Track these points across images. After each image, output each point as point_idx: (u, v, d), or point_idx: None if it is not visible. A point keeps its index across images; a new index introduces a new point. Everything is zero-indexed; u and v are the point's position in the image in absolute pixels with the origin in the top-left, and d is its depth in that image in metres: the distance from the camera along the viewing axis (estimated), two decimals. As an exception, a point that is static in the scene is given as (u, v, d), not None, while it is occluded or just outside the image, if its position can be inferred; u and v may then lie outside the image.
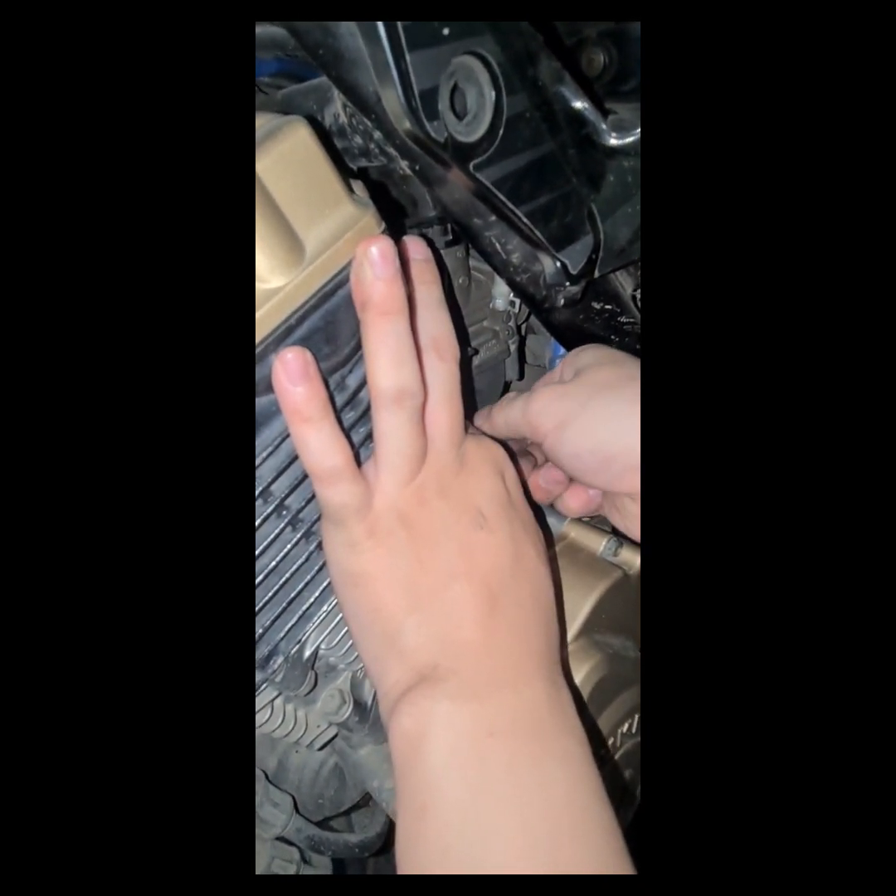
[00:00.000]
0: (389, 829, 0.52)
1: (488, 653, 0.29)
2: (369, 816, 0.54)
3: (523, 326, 0.61)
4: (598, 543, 0.46)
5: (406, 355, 0.28)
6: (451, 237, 0.49)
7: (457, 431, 0.32)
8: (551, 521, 0.48)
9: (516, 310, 0.54)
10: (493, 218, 0.35)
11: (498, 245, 0.37)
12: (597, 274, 0.38)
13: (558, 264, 0.35)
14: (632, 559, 0.46)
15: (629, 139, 0.40)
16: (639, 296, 0.54)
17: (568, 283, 0.35)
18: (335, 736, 0.44)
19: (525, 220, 0.32)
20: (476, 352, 0.49)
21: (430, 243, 0.48)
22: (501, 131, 0.29)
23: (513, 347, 0.56)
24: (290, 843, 0.47)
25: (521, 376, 0.59)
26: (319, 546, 0.34)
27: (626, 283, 0.50)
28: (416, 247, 0.32)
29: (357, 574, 0.30)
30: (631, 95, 0.53)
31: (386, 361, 0.28)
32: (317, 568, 0.35)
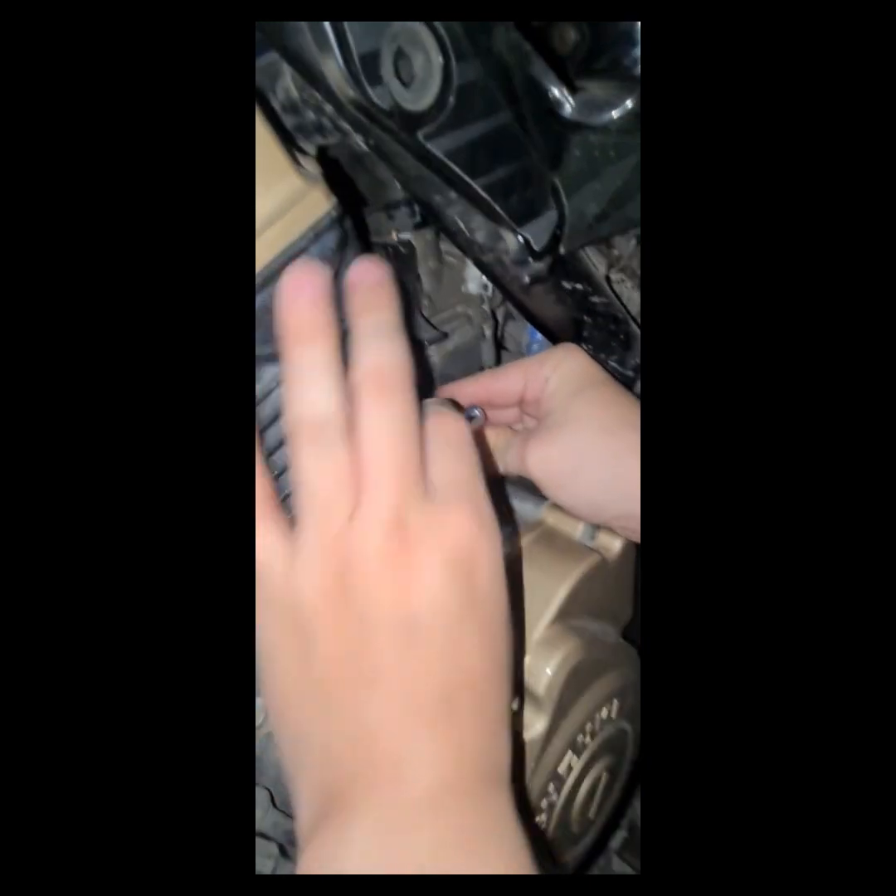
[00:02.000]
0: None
1: (413, 768, 0.23)
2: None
3: (501, 312, 0.61)
4: (576, 528, 0.46)
5: (324, 385, 0.25)
6: (419, 219, 0.48)
7: (397, 481, 0.24)
8: (528, 507, 0.48)
9: (490, 293, 0.53)
10: (454, 194, 0.34)
11: (461, 223, 0.36)
12: (563, 250, 0.37)
13: (520, 240, 0.34)
14: (610, 543, 0.46)
15: (601, 117, 0.39)
16: (612, 277, 0.53)
17: (531, 260, 0.35)
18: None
19: (483, 194, 0.31)
20: (445, 336, 0.48)
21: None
22: (452, 100, 0.28)
23: (488, 332, 0.55)
24: (268, 839, 0.47)
25: (498, 362, 0.58)
26: None
27: (598, 263, 0.49)
28: (363, 272, 0.28)
29: (263, 637, 0.25)
30: (604, 74, 0.52)
31: (297, 391, 0.24)
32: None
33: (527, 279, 0.37)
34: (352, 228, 0.32)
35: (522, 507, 0.48)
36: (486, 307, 0.54)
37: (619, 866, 0.91)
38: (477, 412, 0.44)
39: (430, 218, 0.40)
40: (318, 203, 0.28)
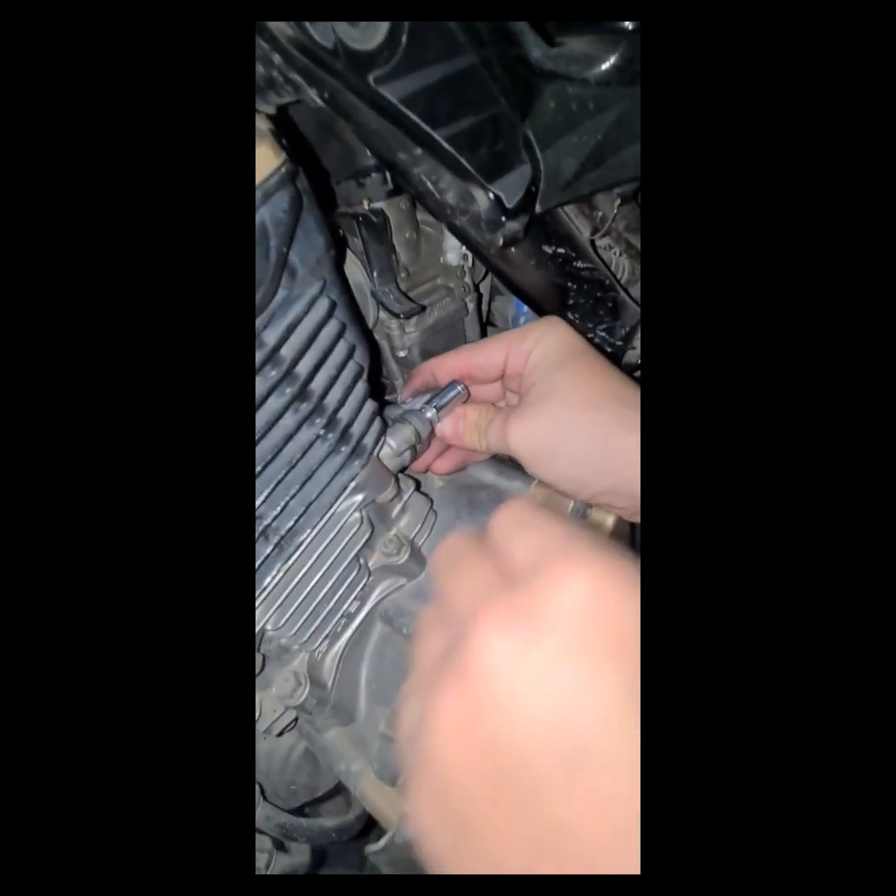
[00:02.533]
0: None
1: None
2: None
3: (487, 286, 0.58)
4: (566, 506, 0.44)
5: None
6: (391, 187, 0.46)
7: None
8: (517, 484, 0.46)
9: (470, 264, 0.50)
10: (419, 151, 0.32)
11: (429, 183, 0.34)
12: (539, 209, 0.34)
13: (491, 197, 0.31)
14: (602, 520, 0.44)
15: (580, 71, 0.37)
16: (598, 242, 0.51)
17: (505, 219, 0.32)
18: (295, 720, 0.42)
19: (447, 146, 0.29)
20: (423, 308, 0.46)
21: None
22: (404, 39, 0.25)
23: (471, 306, 0.53)
24: (261, 832, 0.46)
25: (484, 336, 0.56)
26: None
27: (582, 227, 0.47)
28: None
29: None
30: (588, 27, 0.49)
31: None
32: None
33: (501, 241, 0.34)
34: (308, 190, 0.30)
35: (510, 484, 0.46)
36: (467, 280, 0.52)
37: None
38: (459, 387, 0.42)
39: (398, 177, 0.38)
40: (268, 158, 0.26)
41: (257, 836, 0.46)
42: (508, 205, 0.32)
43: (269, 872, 0.46)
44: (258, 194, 0.26)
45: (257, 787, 0.45)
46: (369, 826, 0.50)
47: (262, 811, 0.44)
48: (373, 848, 0.39)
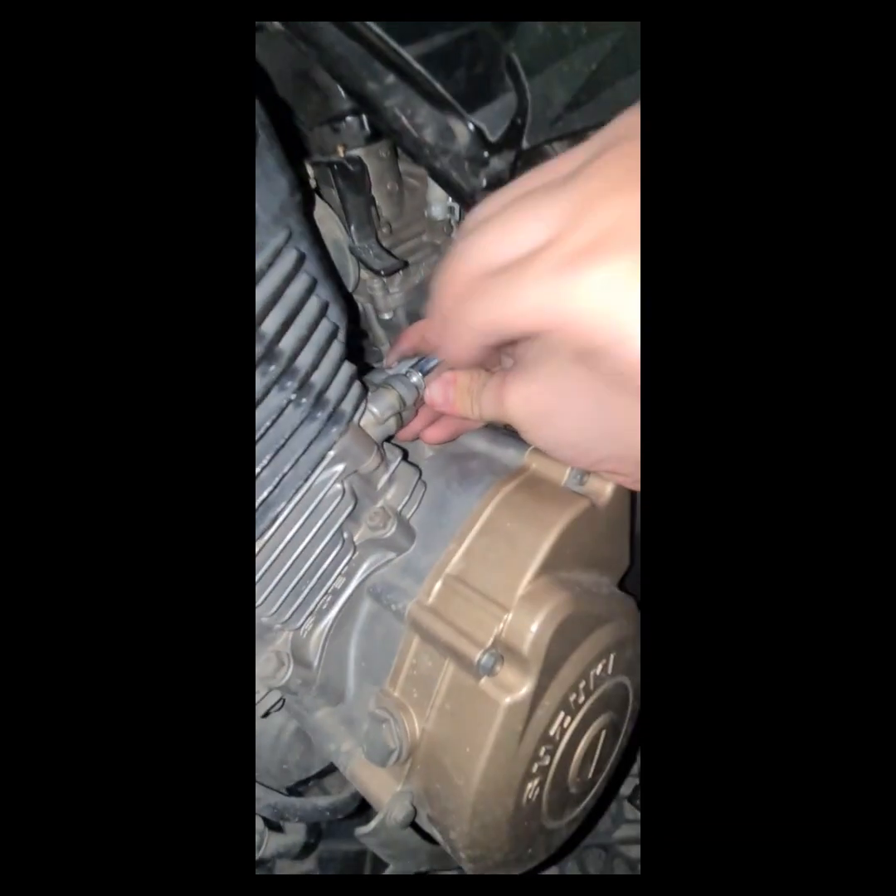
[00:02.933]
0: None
1: None
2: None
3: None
4: (562, 474, 0.41)
5: None
6: (369, 132, 0.42)
7: None
8: (511, 452, 0.43)
9: (458, 218, 0.47)
10: (391, 77, 0.29)
11: (404, 118, 0.31)
12: (526, 144, 0.31)
13: (471, 128, 0.28)
14: (601, 488, 0.41)
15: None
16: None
17: (488, 154, 0.29)
18: (280, 701, 0.40)
19: (419, 67, 0.26)
20: (406, 264, 0.43)
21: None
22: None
23: (460, 264, 0.49)
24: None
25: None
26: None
27: (577, 172, 0.43)
28: None
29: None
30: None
31: None
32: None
33: (484, 182, 0.31)
34: (267, 123, 0.27)
35: (504, 453, 0.43)
36: (455, 235, 0.49)
37: (631, 812, 0.91)
38: None
39: (370, 115, 0.35)
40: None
41: (249, 817, 0.45)
42: (491, 137, 0.28)
43: (262, 854, 0.45)
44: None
45: (247, 769, 0.43)
46: (365, 805, 0.49)
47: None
48: (363, 830, 0.37)
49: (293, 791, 0.49)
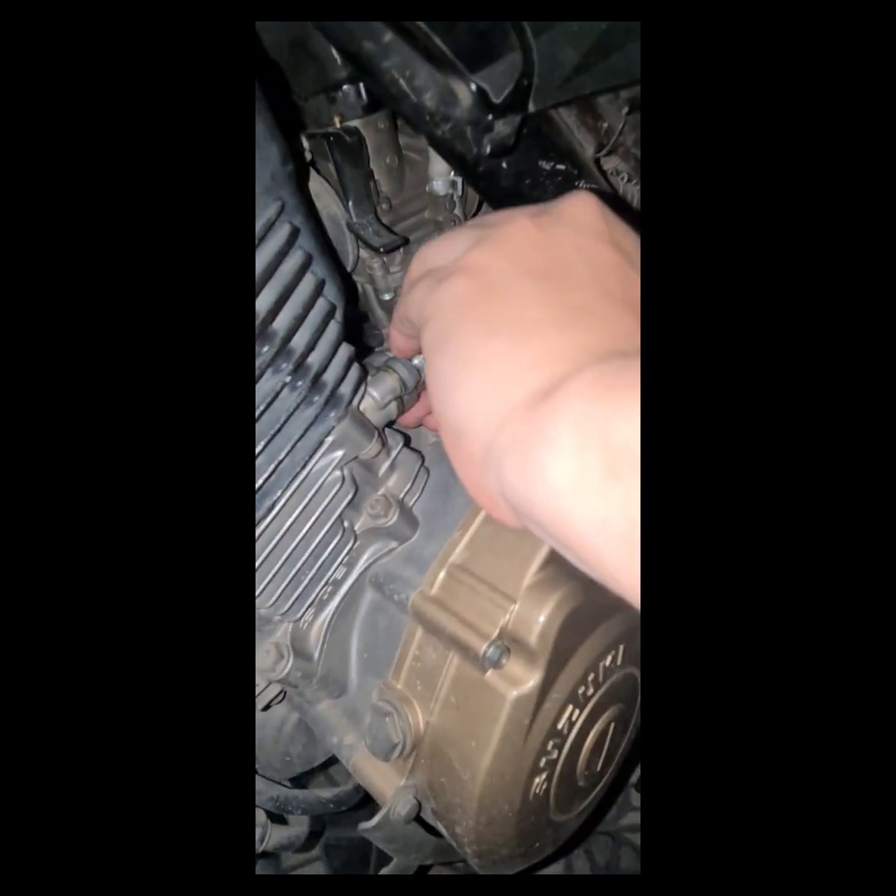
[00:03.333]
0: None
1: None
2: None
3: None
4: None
5: None
6: (366, 102, 0.40)
7: None
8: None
9: (460, 193, 0.45)
10: (389, 36, 0.27)
11: (403, 82, 0.29)
12: (532, 107, 0.29)
13: (474, 89, 0.26)
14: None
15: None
16: (604, 166, 0.45)
17: (492, 117, 0.27)
18: (281, 693, 0.40)
19: (418, 22, 0.24)
20: (406, 241, 0.41)
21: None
22: None
23: (463, 242, 0.48)
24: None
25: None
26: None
27: (585, 143, 0.41)
28: None
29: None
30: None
31: None
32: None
33: (488, 148, 0.29)
34: (258, 92, 0.25)
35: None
36: (458, 211, 0.47)
37: (638, 800, 0.90)
38: None
39: (367, 79, 0.33)
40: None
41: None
42: (495, 99, 0.26)
43: (265, 846, 0.44)
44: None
45: (248, 761, 0.43)
46: (368, 798, 0.49)
47: (255, 784, 0.42)
48: (366, 825, 0.36)
49: (297, 781, 0.48)
